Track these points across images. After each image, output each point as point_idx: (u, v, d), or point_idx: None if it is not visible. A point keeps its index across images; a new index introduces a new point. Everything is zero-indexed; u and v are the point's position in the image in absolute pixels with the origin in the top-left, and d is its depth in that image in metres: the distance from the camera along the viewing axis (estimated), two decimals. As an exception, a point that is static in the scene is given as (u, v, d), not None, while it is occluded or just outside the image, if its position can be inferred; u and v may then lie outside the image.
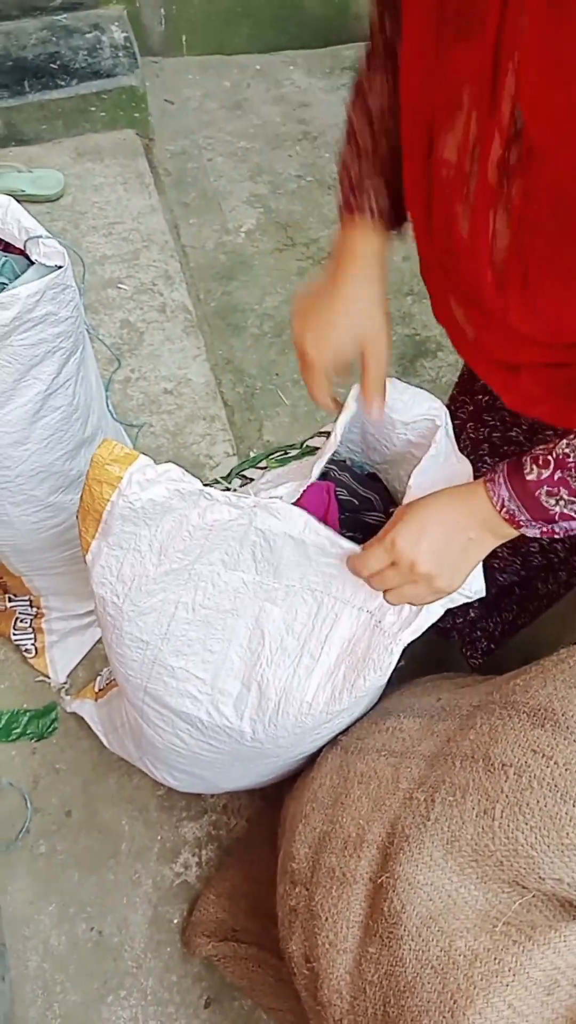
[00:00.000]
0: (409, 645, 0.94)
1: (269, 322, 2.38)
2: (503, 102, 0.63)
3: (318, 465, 0.89)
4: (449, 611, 1.58)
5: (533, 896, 0.82)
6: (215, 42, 3.22)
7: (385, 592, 0.87)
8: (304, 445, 1.07)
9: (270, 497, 0.87)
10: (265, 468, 1.07)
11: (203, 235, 2.59)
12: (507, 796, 0.82)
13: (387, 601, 0.88)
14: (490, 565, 1.35)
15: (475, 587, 0.93)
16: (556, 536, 0.81)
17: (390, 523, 0.85)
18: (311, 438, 1.08)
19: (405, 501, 0.87)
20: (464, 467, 0.90)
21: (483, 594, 0.94)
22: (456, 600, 0.93)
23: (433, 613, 0.94)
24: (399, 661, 1.42)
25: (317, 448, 1.04)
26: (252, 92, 3.13)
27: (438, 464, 0.90)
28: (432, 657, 1.61)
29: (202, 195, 2.71)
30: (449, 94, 0.68)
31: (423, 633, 0.94)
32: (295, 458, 1.05)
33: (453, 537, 0.82)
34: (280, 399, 2.21)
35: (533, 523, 0.79)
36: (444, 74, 0.67)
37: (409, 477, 0.88)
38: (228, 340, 2.32)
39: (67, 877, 1.44)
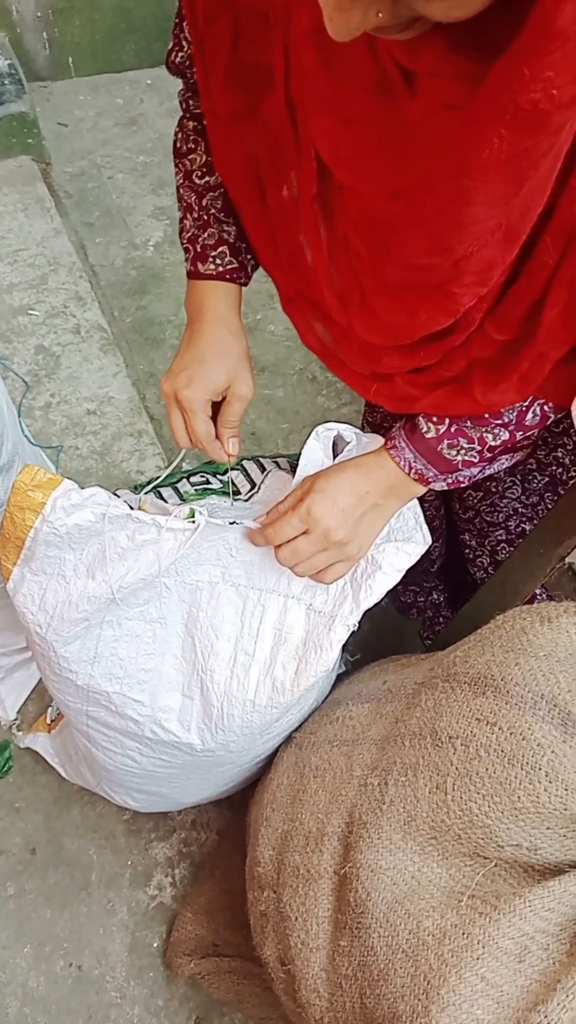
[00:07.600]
0: (362, 637, 0.94)
1: (187, 332, 2.35)
2: (308, 145, 0.69)
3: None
4: (410, 589, 1.57)
5: (495, 865, 0.81)
6: (103, 61, 3.20)
7: (294, 565, 0.89)
8: (226, 478, 1.07)
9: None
10: (183, 501, 1.06)
11: (111, 252, 2.56)
12: (457, 768, 0.82)
13: (296, 573, 0.90)
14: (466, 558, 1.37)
15: (418, 538, 0.94)
16: (461, 485, 0.86)
17: (300, 493, 0.87)
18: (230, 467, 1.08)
19: (300, 476, 0.89)
20: (374, 440, 0.91)
21: (428, 543, 0.96)
22: (400, 564, 0.93)
23: (375, 593, 0.93)
24: (352, 654, 1.41)
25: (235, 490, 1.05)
26: (146, 107, 3.11)
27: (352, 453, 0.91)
28: (387, 647, 1.60)
29: (106, 213, 2.69)
30: (268, 143, 0.74)
31: (368, 614, 0.94)
32: (216, 492, 1.05)
33: (362, 505, 0.86)
34: (206, 407, 2.18)
35: (440, 476, 0.85)
36: (261, 124, 0.73)
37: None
38: (148, 354, 2.30)
39: (39, 916, 1.39)
